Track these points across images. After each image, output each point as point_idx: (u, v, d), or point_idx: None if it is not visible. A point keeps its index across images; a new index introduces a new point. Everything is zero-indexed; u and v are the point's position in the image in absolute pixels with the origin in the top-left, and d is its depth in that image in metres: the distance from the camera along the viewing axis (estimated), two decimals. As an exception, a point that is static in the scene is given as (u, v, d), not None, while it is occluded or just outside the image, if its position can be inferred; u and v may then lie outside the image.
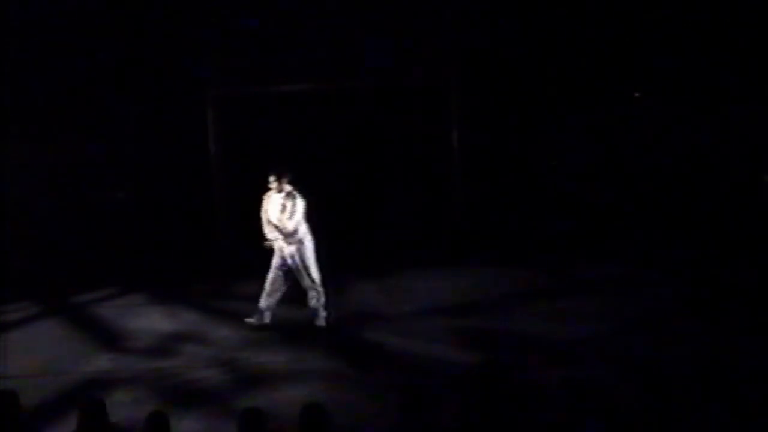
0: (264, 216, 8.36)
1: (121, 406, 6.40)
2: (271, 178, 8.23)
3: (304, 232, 8.28)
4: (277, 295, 8.40)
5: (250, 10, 11.28)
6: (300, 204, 8.22)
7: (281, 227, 8.23)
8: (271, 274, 8.37)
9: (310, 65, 11.33)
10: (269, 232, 8.31)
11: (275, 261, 8.35)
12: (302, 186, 8.33)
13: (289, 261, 8.28)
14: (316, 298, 8.34)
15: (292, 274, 8.36)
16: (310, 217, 8.32)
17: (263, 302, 8.39)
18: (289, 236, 8.21)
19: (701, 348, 7.33)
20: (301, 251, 8.28)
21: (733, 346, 7.31)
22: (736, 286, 9.25)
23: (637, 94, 11.99)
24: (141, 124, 11.45)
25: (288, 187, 8.25)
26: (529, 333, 7.98)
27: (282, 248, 8.27)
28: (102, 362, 7.68)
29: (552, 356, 7.33)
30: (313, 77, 11.37)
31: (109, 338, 8.41)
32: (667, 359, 7.02)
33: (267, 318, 8.41)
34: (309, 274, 8.32)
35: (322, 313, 8.34)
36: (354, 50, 11.36)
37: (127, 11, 10.96)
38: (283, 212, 8.24)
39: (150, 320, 8.96)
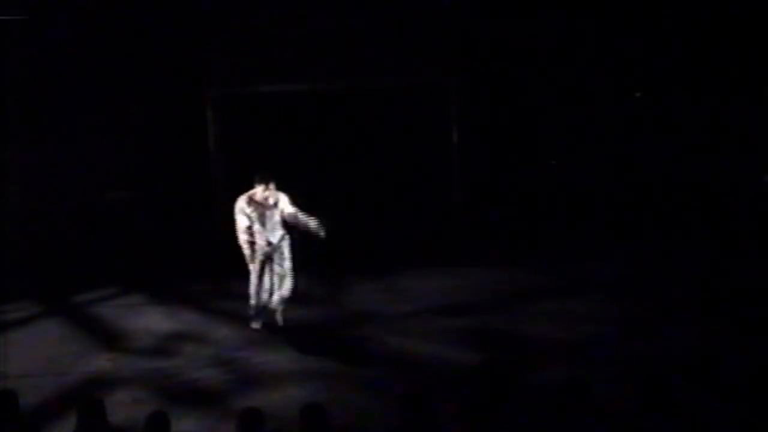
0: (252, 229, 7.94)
1: (121, 406, 6.40)
2: (261, 186, 7.86)
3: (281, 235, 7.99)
4: (267, 295, 8.26)
5: (250, 10, 11.29)
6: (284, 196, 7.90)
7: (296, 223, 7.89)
8: (252, 285, 8.18)
9: (310, 65, 11.33)
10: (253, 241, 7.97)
11: (253, 271, 8.09)
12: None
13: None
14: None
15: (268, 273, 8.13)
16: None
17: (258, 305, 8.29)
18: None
19: (702, 348, 7.32)
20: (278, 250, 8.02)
21: (735, 347, 7.31)
22: (737, 286, 9.24)
23: (637, 94, 12.00)
24: (141, 124, 11.46)
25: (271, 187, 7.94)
26: (529, 333, 7.98)
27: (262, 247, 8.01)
28: (102, 362, 7.67)
29: (552, 356, 7.33)
30: (313, 77, 11.38)
31: (109, 338, 8.40)
32: (668, 360, 7.02)
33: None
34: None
35: (280, 309, 8.21)
36: (354, 50, 11.36)
37: (127, 10, 10.96)
38: (270, 210, 7.91)
39: (150, 320, 8.95)
